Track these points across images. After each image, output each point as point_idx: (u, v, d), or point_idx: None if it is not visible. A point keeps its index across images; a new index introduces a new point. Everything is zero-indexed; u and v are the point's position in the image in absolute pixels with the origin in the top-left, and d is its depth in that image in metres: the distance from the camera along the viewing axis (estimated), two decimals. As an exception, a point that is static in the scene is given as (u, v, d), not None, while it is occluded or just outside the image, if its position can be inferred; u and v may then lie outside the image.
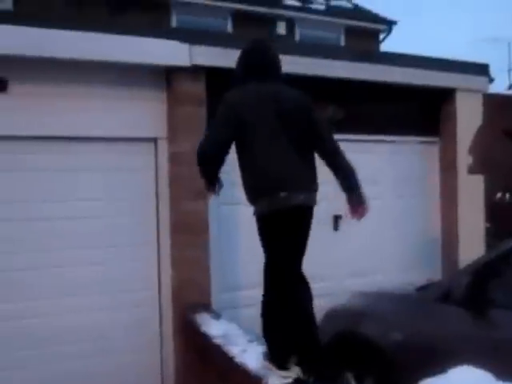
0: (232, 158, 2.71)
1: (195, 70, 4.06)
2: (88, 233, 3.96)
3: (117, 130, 4.00)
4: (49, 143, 3.86)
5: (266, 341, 2.80)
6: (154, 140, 4.15)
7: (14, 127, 3.70)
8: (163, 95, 4.15)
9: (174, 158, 4.10)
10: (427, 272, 4.93)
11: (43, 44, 3.57)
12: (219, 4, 6.47)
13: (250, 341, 3.19)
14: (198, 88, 4.10)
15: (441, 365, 2.37)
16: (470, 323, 2.88)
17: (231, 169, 2.86)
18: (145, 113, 4.04)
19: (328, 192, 4.72)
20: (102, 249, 3.99)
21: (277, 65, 2.88)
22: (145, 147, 4.15)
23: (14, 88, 3.73)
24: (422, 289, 3.53)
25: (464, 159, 5.13)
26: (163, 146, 4.16)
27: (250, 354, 2.97)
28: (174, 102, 4.10)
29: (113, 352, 3.96)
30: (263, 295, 2.82)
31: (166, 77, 4.12)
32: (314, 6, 9.92)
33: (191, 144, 3.97)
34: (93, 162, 3.98)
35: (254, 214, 2.70)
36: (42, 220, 3.83)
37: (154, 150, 4.16)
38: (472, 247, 4.85)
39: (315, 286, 4.63)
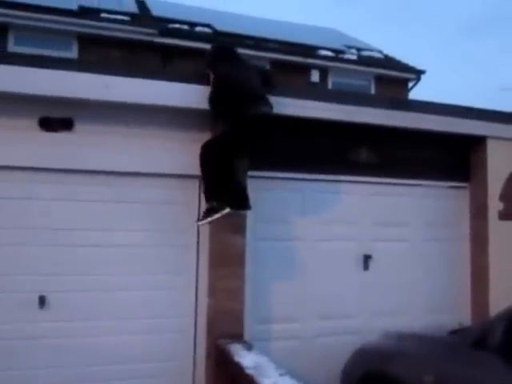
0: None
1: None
2: (132, 261, 4.10)
3: (167, 167, 4.20)
4: (105, 177, 4.09)
5: None
6: (198, 177, 4.25)
7: (77, 162, 3.96)
8: (209, 136, 4.26)
9: None
10: (456, 316, 4.84)
11: (104, 89, 3.82)
12: (260, 54, 6.82)
13: (282, 374, 3.13)
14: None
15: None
16: (503, 370, 2.79)
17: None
18: (193, 152, 4.15)
19: (359, 232, 4.79)
20: (144, 276, 4.12)
21: None
22: (190, 183, 4.29)
23: (79, 127, 4.01)
24: (455, 333, 3.46)
25: (494, 205, 5.05)
26: None
27: (281, 387, 2.93)
28: None
29: (146, 375, 4.02)
30: None
31: (212, 120, 4.24)
32: (346, 56, 10.16)
33: None
34: (144, 195, 4.17)
35: None
36: (93, 246, 4.02)
37: (198, 187, 4.29)
38: (502, 293, 4.69)
39: (344, 323, 4.65)
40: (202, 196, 4.23)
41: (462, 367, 3.04)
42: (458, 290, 5.09)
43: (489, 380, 2.87)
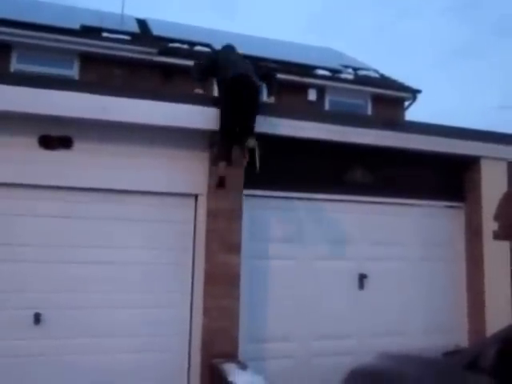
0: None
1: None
2: (128, 278, 4.09)
3: (164, 185, 4.21)
4: (102, 194, 4.10)
5: None
6: (195, 196, 4.28)
7: (75, 180, 3.99)
8: (206, 156, 4.30)
9: (211, 214, 4.18)
10: (452, 336, 4.80)
11: (103, 109, 3.87)
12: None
13: (276, 395, 3.14)
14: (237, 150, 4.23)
15: None
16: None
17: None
18: (189, 171, 4.23)
19: (354, 251, 4.77)
20: (138, 294, 4.10)
21: None
22: (186, 202, 4.29)
23: (78, 145, 4.04)
24: (450, 354, 3.41)
25: (489, 225, 5.04)
26: (203, 202, 4.27)
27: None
28: (214, 163, 4.21)
29: None
30: None
31: (209, 139, 4.28)
32: (343, 76, 10.23)
33: (228, 201, 4.16)
34: (140, 213, 4.18)
35: None
36: (89, 263, 4.01)
37: (194, 205, 4.29)
38: (499, 313, 4.67)
39: (339, 344, 4.59)
40: (198, 214, 4.26)
41: (456, 390, 2.98)
42: (455, 310, 5.05)
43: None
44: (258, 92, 4.11)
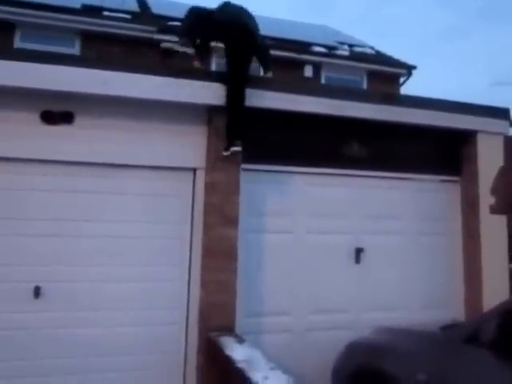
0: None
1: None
2: (127, 252, 3.94)
3: (163, 159, 4.07)
4: (102, 169, 3.95)
5: None
6: (194, 170, 4.14)
7: (76, 154, 3.85)
8: (204, 130, 4.15)
9: (209, 187, 4.02)
10: (449, 310, 4.57)
11: (104, 83, 3.72)
12: None
13: (272, 368, 2.93)
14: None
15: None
16: (498, 366, 2.59)
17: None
18: (188, 145, 4.11)
19: (350, 225, 4.52)
20: (137, 267, 3.95)
21: None
22: (185, 176, 4.14)
23: (79, 120, 3.90)
24: (448, 328, 3.21)
25: (486, 199, 4.78)
26: (201, 176, 4.12)
27: (271, 380, 2.72)
28: (212, 137, 4.06)
29: (136, 367, 3.84)
30: None
31: (208, 114, 4.12)
32: (338, 52, 9.88)
33: (226, 175, 3.98)
34: (139, 187, 4.05)
35: None
36: (89, 237, 3.87)
37: (192, 179, 4.14)
38: (496, 287, 4.46)
39: (336, 318, 4.40)
40: (196, 188, 4.13)
41: (455, 364, 2.83)
42: (451, 285, 4.82)
43: (482, 375, 2.69)
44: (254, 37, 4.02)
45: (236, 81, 3.89)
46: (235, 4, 4.24)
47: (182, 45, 4.17)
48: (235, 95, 3.85)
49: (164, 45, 4.09)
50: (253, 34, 4.01)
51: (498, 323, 2.73)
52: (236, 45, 3.92)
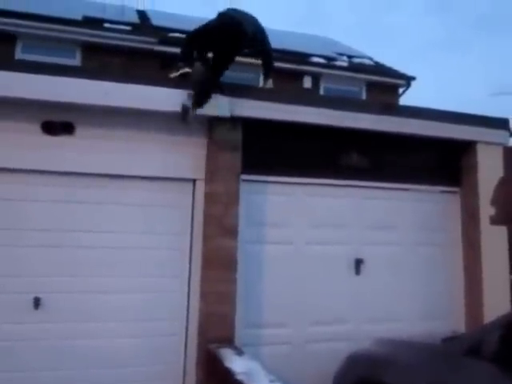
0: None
1: (233, 120, 4.08)
2: (127, 263, 3.92)
3: (163, 170, 4.08)
4: (102, 180, 3.95)
5: None
6: (193, 181, 4.13)
7: (77, 165, 3.85)
8: (204, 141, 4.15)
9: (209, 198, 4.02)
10: (449, 322, 4.55)
11: (105, 94, 3.73)
12: (253, 61, 6.69)
13: (272, 381, 2.93)
14: (235, 136, 4.10)
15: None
16: (499, 379, 2.55)
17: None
18: (188, 156, 4.11)
19: (350, 236, 4.51)
20: (136, 278, 3.93)
21: None
22: (184, 187, 4.14)
23: (79, 131, 3.90)
24: (448, 340, 3.18)
25: (486, 210, 4.77)
26: (201, 187, 4.12)
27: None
28: (212, 148, 4.08)
29: (136, 378, 3.81)
30: None
31: (208, 125, 4.13)
32: (337, 63, 9.92)
33: (225, 186, 3.99)
34: (139, 198, 4.04)
35: None
36: (89, 248, 3.86)
37: (192, 190, 4.14)
38: (497, 299, 4.43)
39: (336, 329, 4.37)
40: (196, 199, 4.12)
41: (456, 377, 2.79)
42: (452, 296, 4.79)
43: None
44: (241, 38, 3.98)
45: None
46: (236, 9, 4.20)
47: (180, 68, 4.14)
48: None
49: (182, 71, 4.02)
50: (245, 33, 3.93)
51: (500, 335, 2.70)
52: (225, 43, 3.87)
